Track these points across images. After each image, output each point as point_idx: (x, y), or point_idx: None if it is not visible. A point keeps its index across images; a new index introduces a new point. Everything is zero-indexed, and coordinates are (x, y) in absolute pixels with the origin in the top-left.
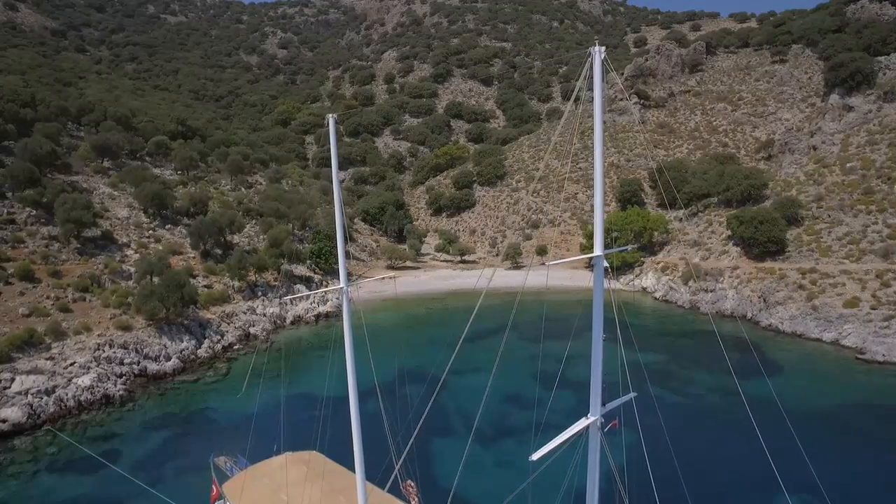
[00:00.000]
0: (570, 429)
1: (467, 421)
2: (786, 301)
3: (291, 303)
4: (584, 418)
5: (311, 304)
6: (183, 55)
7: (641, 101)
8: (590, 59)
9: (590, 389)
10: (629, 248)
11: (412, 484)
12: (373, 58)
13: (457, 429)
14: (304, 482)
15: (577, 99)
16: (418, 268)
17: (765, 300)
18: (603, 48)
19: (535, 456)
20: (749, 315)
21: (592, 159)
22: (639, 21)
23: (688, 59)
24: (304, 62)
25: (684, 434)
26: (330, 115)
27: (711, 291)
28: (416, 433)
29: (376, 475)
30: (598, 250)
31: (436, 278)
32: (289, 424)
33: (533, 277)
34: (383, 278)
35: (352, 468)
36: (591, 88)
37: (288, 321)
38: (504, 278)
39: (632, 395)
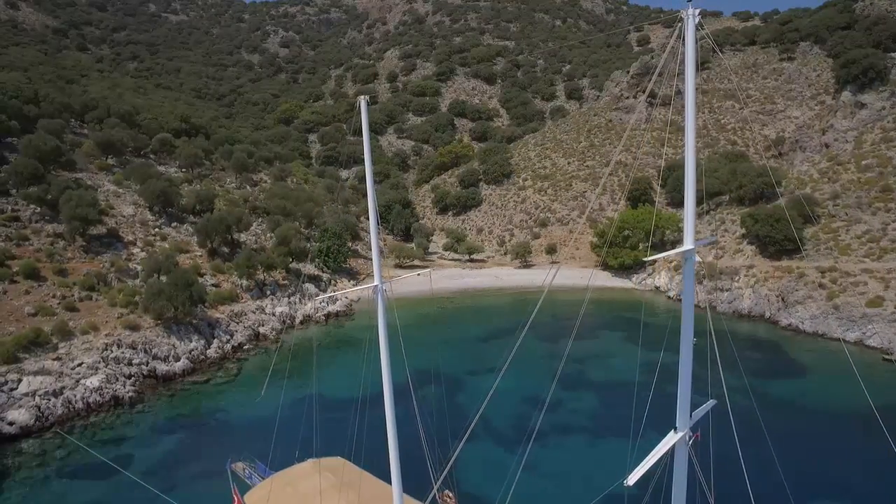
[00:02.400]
0: (660, 446)
1: (494, 424)
2: (805, 300)
3: (301, 301)
4: (671, 432)
5: (320, 303)
6: (184, 54)
7: (648, 100)
8: (680, 24)
9: (677, 401)
10: (714, 239)
11: (450, 495)
12: (375, 56)
13: (486, 433)
14: (332, 492)
15: (661, 73)
16: (427, 266)
17: (783, 299)
18: (697, 10)
19: (631, 481)
20: (767, 314)
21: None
22: (641, 19)
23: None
24: (305, 61)
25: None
26: (361, 98)
27: (727, 291)
28: (462, 443)
29: (409, 483)
30: (688, 243)
31: (446, 277)
32: (307, 429)
33: (543, 277)
34: (419, 274)
35: (379, 475)
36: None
37: (297, 321)
38: (513, 277)
39: (712, 402)
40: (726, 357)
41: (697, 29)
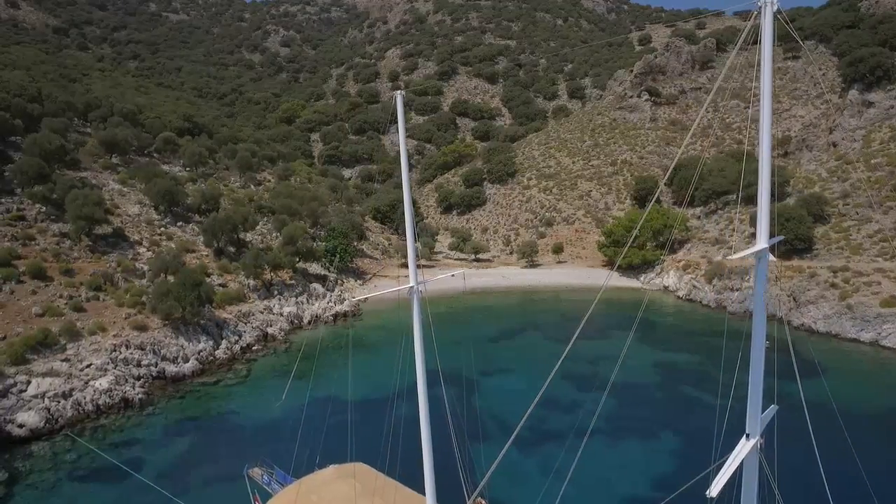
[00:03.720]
0: (735, 453)
1: (510, 426)
2: (818, 300)
3: (308, 301)
4: (744, 439)
5: (328, 303)
6: (185, 53)
7: (652, 99)
8: (756, 13)
9: (747, 406)
10: (781, 237)
11: (482, 502)
12: (376, 56)
13: (502, 434)
14: (362, 501)
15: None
16: (433, 266)
17: (795, 299)
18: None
19: (714, 491)
20: (779, 314)
21: (757, 135)
22: (643, 19)
23: (698, 55)
24: (306, 60)
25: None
26: (398, 92)
27: (737, 290)
28: (505, 449)
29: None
30: (762, 242)
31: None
32: (320, 432)
33: (550, 276)
34: (453, 275)
35: (402, 481)
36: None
37: (305, 321)
38: (521, 276)
39: (774, 407)
40: (746, 358)
41: (775, 18)
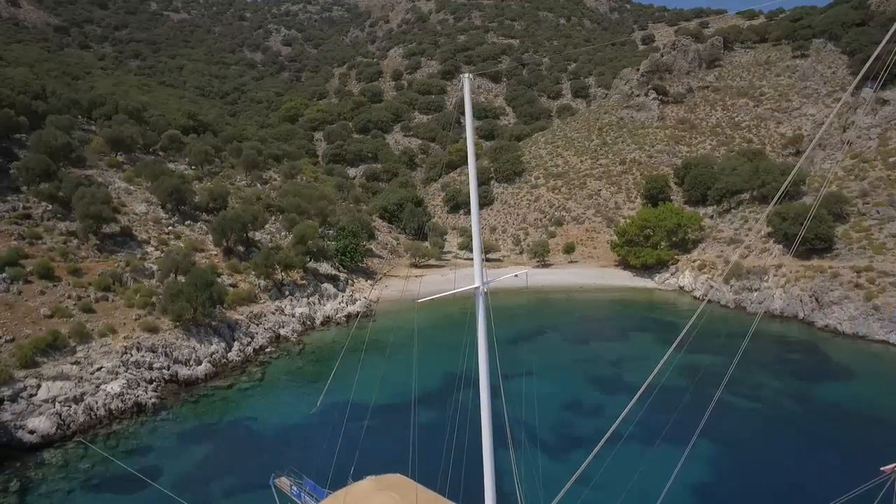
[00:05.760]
0: None
1: (539, 434)
2: (842, 301)
3: (320, 302)
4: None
5: (339, 303)
6: (187, 52)
7: (660, 97)
8: None
9: None
10: None
11: None
12: (378, 55)
13: (530, 442)
14: None
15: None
16: (443, 265)
17: (817, 300)
18: None
19: None
20: (801, 315)
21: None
22: (645, 18)
23: (705, 54)
24: (308, 59)
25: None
26: (465, 76)
27: (757, 290)
28: (584, 466)
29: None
30: None
31: (466, 277)
32: (348, 439)
33: (563, 276)
34: (516, 275)
35: (441, 493)
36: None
37: (318, 322)
38: (532, 277)
39: None
40: (768, 358)
41: None
